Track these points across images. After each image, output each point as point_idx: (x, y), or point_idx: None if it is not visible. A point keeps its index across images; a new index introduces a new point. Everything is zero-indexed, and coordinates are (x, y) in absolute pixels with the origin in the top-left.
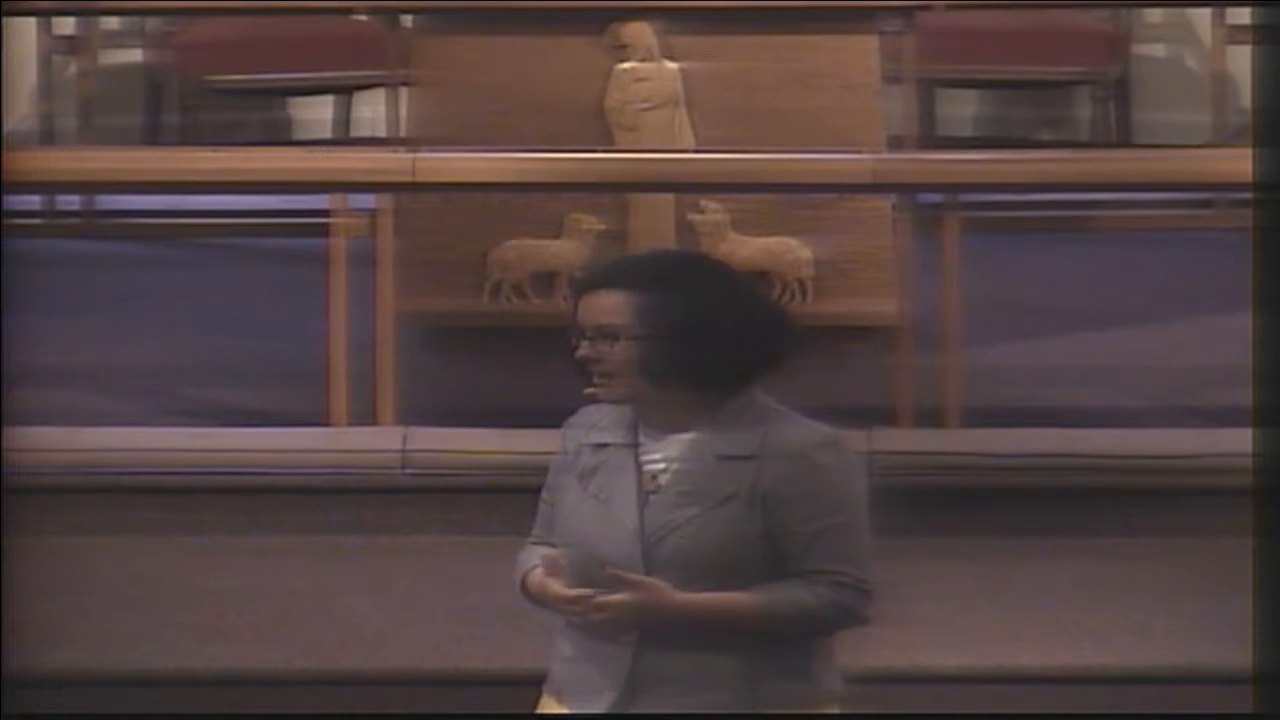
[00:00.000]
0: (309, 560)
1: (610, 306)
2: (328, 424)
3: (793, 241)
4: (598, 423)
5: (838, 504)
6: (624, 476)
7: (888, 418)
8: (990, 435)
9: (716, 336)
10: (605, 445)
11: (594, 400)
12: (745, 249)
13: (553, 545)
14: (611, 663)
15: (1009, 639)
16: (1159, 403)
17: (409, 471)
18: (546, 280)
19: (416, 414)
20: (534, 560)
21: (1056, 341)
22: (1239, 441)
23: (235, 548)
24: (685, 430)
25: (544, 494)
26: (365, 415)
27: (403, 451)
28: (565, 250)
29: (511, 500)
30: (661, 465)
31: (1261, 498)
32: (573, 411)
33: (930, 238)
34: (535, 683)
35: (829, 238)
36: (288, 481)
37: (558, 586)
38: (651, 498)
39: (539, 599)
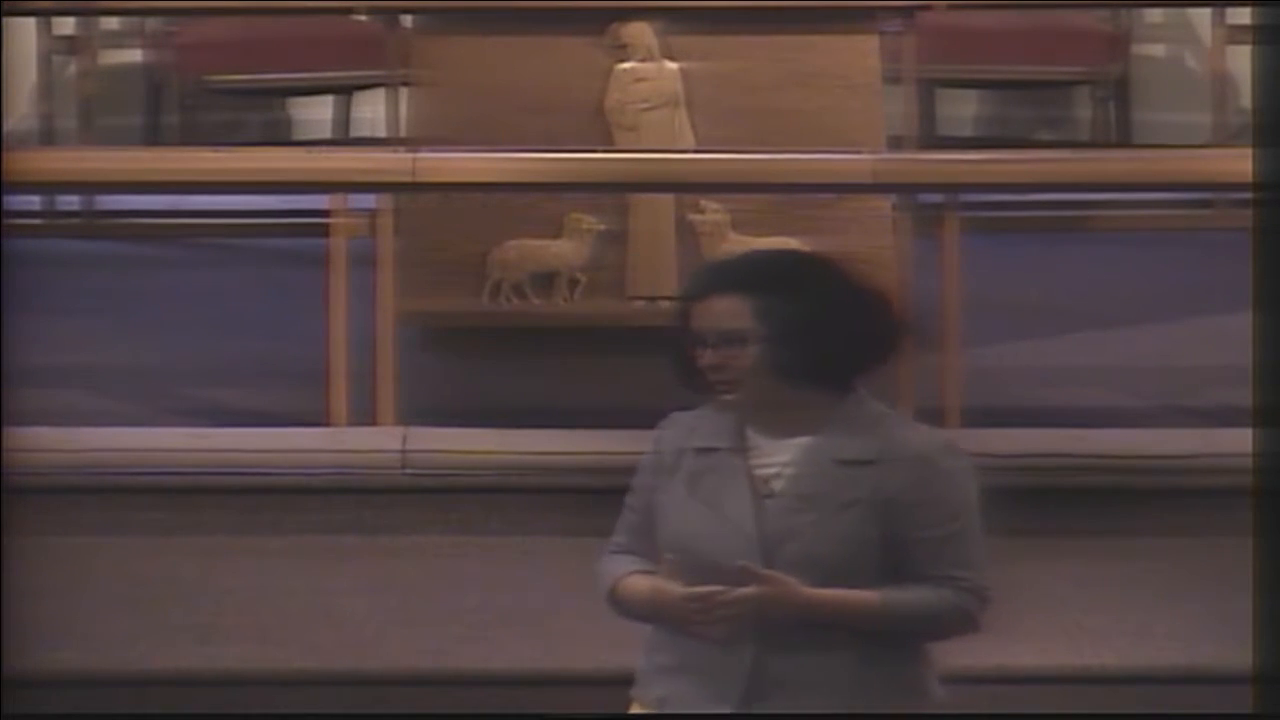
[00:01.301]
0: (309, 560)
1: (732, 310)
2: (328, 424)
3: (793, 241)
4: (696, 426)
5: (961, 509)
6: (734, 480)
7: None
8: (990, 435)
9: (840, 331)
10: (712, 449)
11: (726, 405)
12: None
13: (637, 554)
14: (727, 670)
15: (1009, 639)
16: (1159, 403)
17: (409, 471)
18: (546, 280)
19: (416, 414)
20: (622, 568)
21: (1056, 341)
22: (1239, 441)
23: (235, 548)
24: (801, 434)
25: (629, 500)
26: (365, 415)
27: (402, 451)
28: (565, 250)
29: (511, 500)
30: (775, 469)
31: (1261, 498)
32: (570, 412)
33: (930, 238)
34: (535, 683)
35: (829, 238)
36: (288, 481)
37: (679, 589)
38: (766, 502)
39: (645, 606)
